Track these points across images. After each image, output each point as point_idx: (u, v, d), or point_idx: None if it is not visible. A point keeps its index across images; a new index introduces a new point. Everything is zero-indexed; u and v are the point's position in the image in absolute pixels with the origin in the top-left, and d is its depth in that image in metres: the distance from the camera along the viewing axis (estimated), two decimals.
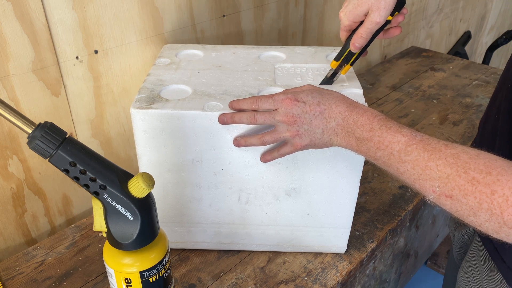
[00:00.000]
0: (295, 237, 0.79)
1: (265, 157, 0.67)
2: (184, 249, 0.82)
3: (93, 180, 0.49)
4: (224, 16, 1.06)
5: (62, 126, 0.86)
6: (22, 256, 0.81)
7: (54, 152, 0.46)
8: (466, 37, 2.22)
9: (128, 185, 0.50)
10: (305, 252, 0.82)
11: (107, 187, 0.49)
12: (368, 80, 1.49)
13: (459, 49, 2.18)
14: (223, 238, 0.79)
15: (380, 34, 0.69)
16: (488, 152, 0.48)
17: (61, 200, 0.92)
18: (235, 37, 1.11)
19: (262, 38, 1.18)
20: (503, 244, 0.63)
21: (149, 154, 0.69)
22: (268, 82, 0.75)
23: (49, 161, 0.47)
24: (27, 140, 0.47)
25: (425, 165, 0.49)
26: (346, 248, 0.81)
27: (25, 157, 0.83)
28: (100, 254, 0.81)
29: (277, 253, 0.82)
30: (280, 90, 0.73)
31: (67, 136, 0.48)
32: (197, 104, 0.67)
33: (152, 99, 0.68)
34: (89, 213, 0.96)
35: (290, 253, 0.82)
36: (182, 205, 0.75)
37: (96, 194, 0.50)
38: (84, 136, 0.90)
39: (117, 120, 0.94)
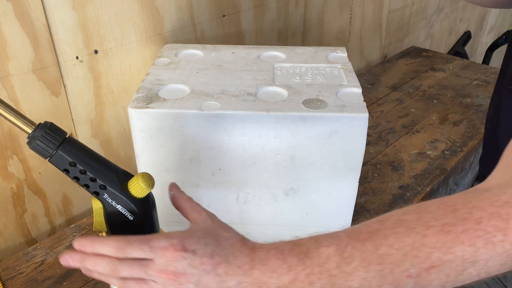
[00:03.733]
0: (294, 237, 0.79)
1: None
2: None
3: (93, 180, 0.49)
4: (224, 16, 1.06)
5: (62, 126, 0.85)
6: (22, 256, 0.81)
7: (54, 152, 0.46)
8: (466, 37, 2.21)
9: (128, 185, 0.50)
10: None
11: (107, 187, 0.49)
12: (368, 80, 1.49)
13: (459, 49, 2.17)
14: None
15: None
16: (426, 200, 0.41)
17: (61, 200, 0.92)
18: (235, 37, 1.11)
19: (262, 38, 1.18)
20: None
21: (147, 154, 0.69)
22: (267, 81, 0.75)
23: (49, 161, 0.47)
24: (27, 140, 0.47)
25: (378, 256, 0.39)
26: None
27: (25, 157, 0.83)
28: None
29: None
30: (279, 90, 0.73)
31: (67, 136, 0.48)
32: (194, 104, 0.67)
33: (150, 99, 0.68)
34: (89, 213, 0.97)
35: None
36: None
37: (96, 194, 0.50)
38: (84, 136, 0.90)
39: (117, 120, 0.95)
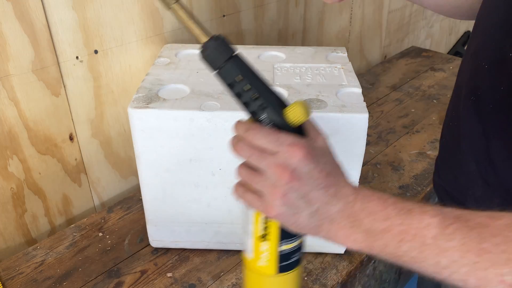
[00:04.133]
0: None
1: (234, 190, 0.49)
2: (184, 249, 0.82)
3: (254, 99, 0.46)
4: (224, 16, 1.06)
5: (62, 126, 0.86)
6: (22, 256, 0.81)
7: (223, 64, 0.46)
8: (466, 37, 2.21)
9: (286, 111, 0.47)
10: (305, 252, 0.82)
11: (267, 108, 0.46)
12: (368, 80, 1.49)
13: (459, 49, 2.17)
14: (222, 237, 0.79)
15: None
16: None
17: (61, 200, 0.92)
18: (235, 37, 1.11)
19: (262, 38, 1.18)
20: None
21: (147, 154, 0.69)
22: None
23: (216, 73, 0.46)
24: (200, 49, 0.46)
25: (479, 248, 0.38)
26: (345, 248, 0.81)
27: (25, 157, 0.83)
28: (100, 254, 0.82)
29: None
30: (279, 90, 0.73)
31: (237, 52, 0.47)
32: (194, 104, 0.67)
33: (150, 99, 0.68)
34: (89, 213, 0.97)
35: None
36: (181, 205, 0.75)
37: (254, 114, 0.47)
38: (84, 136, 0.90)
39: (117, 120, 0.95)
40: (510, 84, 0.53)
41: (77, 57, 0.83)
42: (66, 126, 0.87)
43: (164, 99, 0.68)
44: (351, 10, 1.45)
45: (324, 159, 0.44)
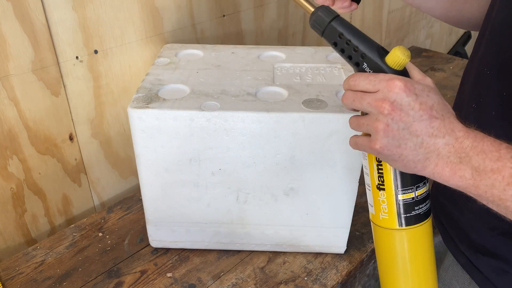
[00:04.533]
0: (294, 237, 0.79)
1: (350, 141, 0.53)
2: (184, 249, 0.82)
3: (355, 50, 0.51)
4: (224, 16, 1.06)
5: (62, 126, 0.86)
6: (22, 256, 0.81)
7: (326, 26, 0.52)
8: (466, 37, 2.22)
9: (386, 59, 0.50)
10: (305, 252, 0.82)
11: (366, 55, 0.50)
12: None
13: (459, 49, 2.17)
14: (222, 237, 0.79)
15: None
16: None
17: (61, 200, 0.92)
18: (235, 37, 1.11)
19: (262, 38, 1.18)
20: (477, 254, 0.58)
21: (146, 154, 0.69)
22: (267, 81, 0.75)
23: (323, 35, 0.52)
24: (309, 20, 0.53)
25: None
26: (345, 248, 0.81)
27: (25, 157, 0.83)
28: (100, 254, 0.82)
29: (277, 253, 0.82)
30: (279, 90, 0.73)
31: (337, 15, 0.52)
32: (194, 104, 0.67)
33: (150, 99, 0.68)
34: (89, 213, 0.97)
35: (290, 253, 0.82)
36: (180, 205, 0.75)
37: (357, 65, 0.51)
38: (84, 136, 0.90)
39: (117, 120, 0.95)
40: None
41: (77, 57, 0.84)
42: (66, 126, 0.87)
43: (164, 99, 0.68)
44: None
45: (425, 93, 0.45)
